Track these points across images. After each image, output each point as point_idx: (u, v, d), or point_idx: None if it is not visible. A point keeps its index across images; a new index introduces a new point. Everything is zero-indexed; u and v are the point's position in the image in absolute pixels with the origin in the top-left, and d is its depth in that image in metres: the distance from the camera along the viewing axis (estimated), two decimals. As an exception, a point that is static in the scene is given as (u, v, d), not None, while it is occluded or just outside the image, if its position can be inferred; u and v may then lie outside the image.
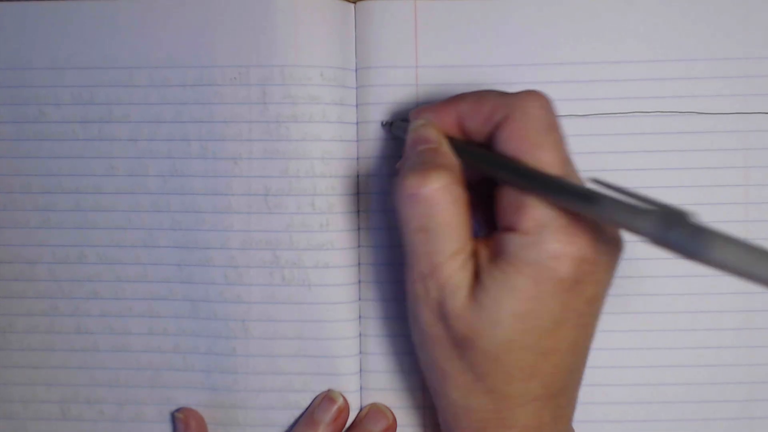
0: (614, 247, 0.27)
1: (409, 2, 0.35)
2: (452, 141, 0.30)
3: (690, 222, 0.21)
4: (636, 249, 0.35)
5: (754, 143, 0.35)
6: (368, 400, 0.36)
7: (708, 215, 0.35)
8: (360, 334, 0.36)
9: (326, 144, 0.35)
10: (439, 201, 0.27)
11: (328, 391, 0.35)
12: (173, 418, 0.36)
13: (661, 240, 0.21)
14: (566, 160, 0.27)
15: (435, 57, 0.35)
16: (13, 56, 0.36)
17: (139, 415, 0.36)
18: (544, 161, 0.26)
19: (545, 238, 0.25)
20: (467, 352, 0.27)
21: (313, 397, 0.36)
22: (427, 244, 0.28)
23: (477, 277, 0.27)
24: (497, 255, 0.27)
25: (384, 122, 0.35)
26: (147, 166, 0.35)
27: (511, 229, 0.27)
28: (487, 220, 0.31)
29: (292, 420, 0.36)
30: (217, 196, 0.35)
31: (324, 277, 0.35)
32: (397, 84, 0.35)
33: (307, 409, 0.36)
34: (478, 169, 0.29)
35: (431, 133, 0.30)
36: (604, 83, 0.35)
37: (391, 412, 0.36)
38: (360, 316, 0.36)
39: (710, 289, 0.35)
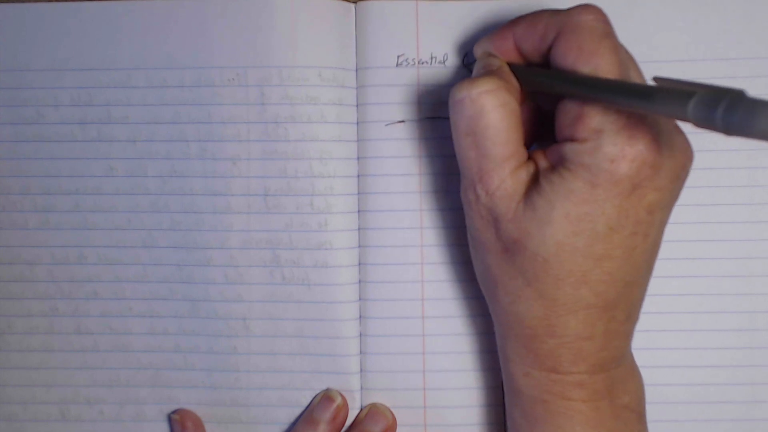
0: (681, 153, 0.27)
1: (411, 2, 0.35)
2: (512, 66, 0.30)
3: (738, 98, 0.19)
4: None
5: (759, 143, 0.34)
6: (368, 400, 0.36)
7: (711, 216, 0.35)
8: (360, 334, 0.36)
9: (324, 144, 0.35)
10: (485, 103, 0.27)
11: (327, 390, 0.36)
12: (169, 419, 0.36)
13: (706, 120, 0.20)
14: (624, 64, 0.26)
15: (436, 57, 0.35)
16: (11, 58, 0.36)
17: (140, 414, 0.36)
18: (601, 67, 0.26)
19: (603, 142, 0.25)
20: (517, 257, 0.27)
21: (314, 395, 0.36)
22: (475, 148, 0.28)
23: (535, 184, 0.27)
24: (556, 163, 0.27)
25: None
26: (146, 167, 0.35)
27: (570, 139, 0.26)
28: None
29: (293, 418, 0.36)
30: (216, 197, 0.35)
31: (323, 276, 0.35)
32: (398, 84, 0.35)
33: (307, 407, 0.36)
34: (539, 89, 0.29)
35: (492, 59, 0.30)
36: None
37: (391, 412, 0.36)
38: (360, 316, 0.36)
39: (712, 289, 0.35)
